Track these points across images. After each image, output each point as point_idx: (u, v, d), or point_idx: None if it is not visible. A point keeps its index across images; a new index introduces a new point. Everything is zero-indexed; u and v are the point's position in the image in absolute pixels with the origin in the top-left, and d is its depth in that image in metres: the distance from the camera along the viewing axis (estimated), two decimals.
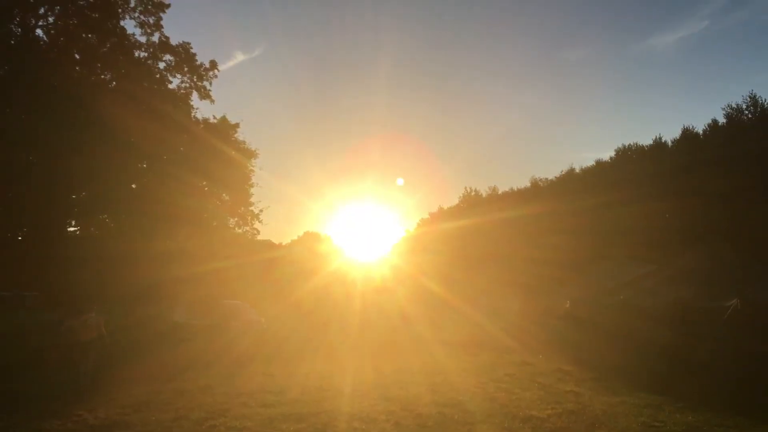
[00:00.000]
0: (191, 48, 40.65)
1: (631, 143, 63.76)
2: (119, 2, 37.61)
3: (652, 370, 18.64)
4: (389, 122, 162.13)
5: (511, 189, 76.51)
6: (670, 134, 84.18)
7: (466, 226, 63.83)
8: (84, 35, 36.92)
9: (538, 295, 42.07)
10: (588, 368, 20.90)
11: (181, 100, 41.17)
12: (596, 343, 24.20)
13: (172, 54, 40.13)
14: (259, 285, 50.38)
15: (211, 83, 41.84)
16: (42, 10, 35.90)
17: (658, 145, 60.67)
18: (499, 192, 78.41)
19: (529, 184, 73.69)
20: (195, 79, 41.32)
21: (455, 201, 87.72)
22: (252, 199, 48.42)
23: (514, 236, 57.19)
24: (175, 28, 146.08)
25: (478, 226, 61.78)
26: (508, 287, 48.83)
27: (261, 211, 48.90)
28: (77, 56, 37.01)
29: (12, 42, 35.00)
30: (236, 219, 48.65)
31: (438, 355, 26.44)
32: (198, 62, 41.06)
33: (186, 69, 40.83)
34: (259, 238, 54.54)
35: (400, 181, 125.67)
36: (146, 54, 39.40)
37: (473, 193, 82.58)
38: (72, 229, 40.26)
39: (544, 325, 32.21)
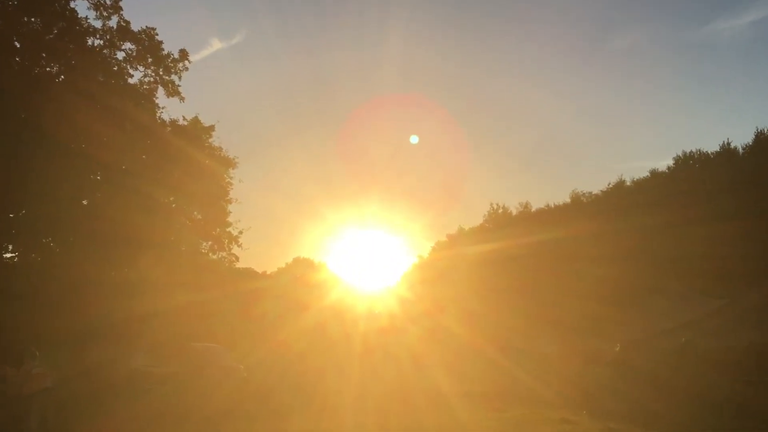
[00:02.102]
0: (156, 34, 40.56)
1: (693, 149, 63.76)
2: None
3: (721, 428, 18.48)
4: (399, 124, 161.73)
5: (547, 206, 77.00)
6: (741, 138, 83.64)
7: (492, 250, 63.65)
8: (25, 19, 36.85)
9: (580, 336, 41.89)
10: (642, 427, 20.77)
11: (144, 97, 41.11)
12: (652, 395, 24.06)
13: (133, 41, 40.03)
14: (239, 323, 50.28)
15: (180, 77, 41.73)
16: None
17: (726, 151, 60.50)
18: (533, 209, 78.69)
19: (569, 200, 73.88)
20: (161, 72, 41.24)
21: (479, 220, 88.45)
22: (230, 218, 48.44)
23: (551, 264, 57.09)
24: (137, 10, 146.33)
25: (506, 251, 61.58)
26: (543, 326, 48.69)
27: (241, 232, 48.81)
28: (17, 44, 36.85)
29: None
30: (210, 242, 48.65)
31: (458, 410, 26.35)
32: (165, 51, 40.89)
33: (150, 60, 40.75)
34: (239, 265, 54.44)
35: (414, 139, 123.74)
36: (102, 42, 39.26)
37: (501, 211, 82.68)
38: (8, 255, 40.11)
39: (588, 373, 32.06)
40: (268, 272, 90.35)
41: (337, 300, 67.64)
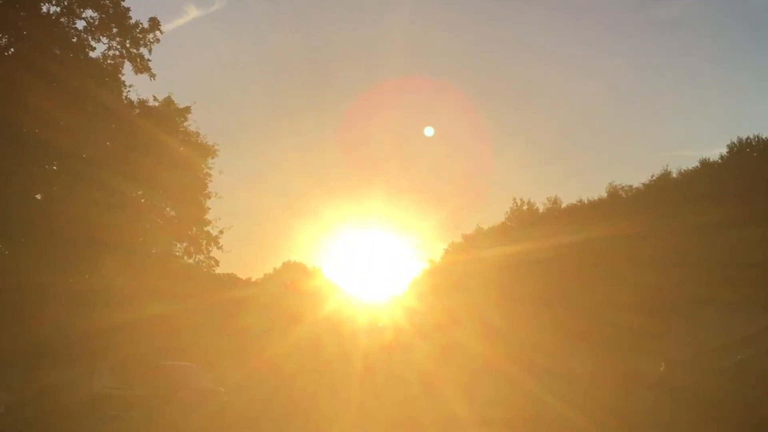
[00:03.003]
0: (123, 0, 40.53)
1: (751, 135, 63.48)
2: None
3: None
4: (408, 110, 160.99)
5: (580, 201, 77.28)
6: None
7: (515, 253, 63.36)
8: None
9: (618, 353, 41.82)
10: None
11: (108, 74, 40.91)
12: (702, 423, 23.96)
13: (95, 8, 39.77)
14: (219, 339, 50.23)
15: (151, 50, 41.48)
16: None
17: None
18: (563, 205, 79.10)
19: (605, 194, 73.55)
20: (128, 45, 40.98)
21: (500, 218, 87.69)
22: (209, 216, 48.35)
23: (585, 269, 56.86)
24: None
25: (532, 255, 61.13)
26: (575, 342, 48.61)
27: (221, 232, 48.52)
28: None
29: None
30: (186, 244, 48.44)
31: None
32: (132, 20, 40.71)
33: (115, 30, 40.49)
34: (219, 271, 54.41)
35: (429, 131, 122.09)
36: (59, 9, 39.04)
37: (525, 207, 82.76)
38: None
39: (627, 397, 31.96)
40: (253, 279, 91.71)
41: (334, 312, 68.27)
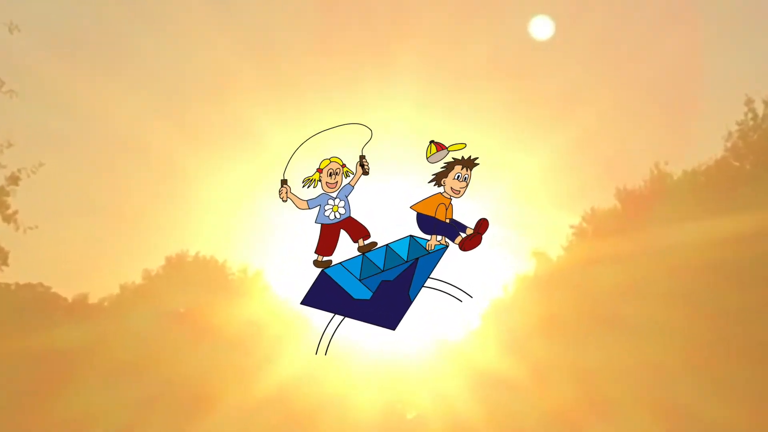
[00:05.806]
0: None
1: None
2: None
3: None
4: None
5: None
6: None
7: (748, 236, 57.91)
8: None
9: None
10: None
11: None
12: None
13: None
14: None
15: None
16: None
17: None
18: None
19: None
20: None
21: (711, 148, 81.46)
22: None
23: None
24: None
25: None
26: None
27: (15, 179, 51.53)
28: None
29: None
30: None
31: None
32: None
33: None
34: (11, 279, 57.89)
35: (545, 30, 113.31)
36: None
37: None
38: None
39: None
40: (97, 299, 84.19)
41: (298, 380, 62.24)
